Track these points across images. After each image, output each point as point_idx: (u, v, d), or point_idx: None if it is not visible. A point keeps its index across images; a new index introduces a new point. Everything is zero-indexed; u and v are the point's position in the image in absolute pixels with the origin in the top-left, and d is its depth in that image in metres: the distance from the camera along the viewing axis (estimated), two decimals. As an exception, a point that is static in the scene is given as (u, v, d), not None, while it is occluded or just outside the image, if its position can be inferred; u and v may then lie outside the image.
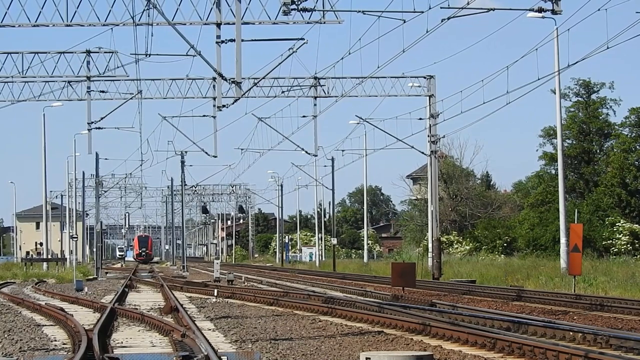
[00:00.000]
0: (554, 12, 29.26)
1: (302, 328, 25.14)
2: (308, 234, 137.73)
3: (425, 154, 56.24)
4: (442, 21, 32.73)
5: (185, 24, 30.46)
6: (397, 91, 54.85)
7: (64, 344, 22.53)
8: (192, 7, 30.38)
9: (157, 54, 32.78)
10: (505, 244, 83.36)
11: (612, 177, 79.19)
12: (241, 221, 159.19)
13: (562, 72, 49.07)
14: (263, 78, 41.82)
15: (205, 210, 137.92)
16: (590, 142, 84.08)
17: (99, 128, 47.65)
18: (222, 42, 27.78)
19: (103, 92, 50.37)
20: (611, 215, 74.45)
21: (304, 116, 53.52)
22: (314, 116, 53.32)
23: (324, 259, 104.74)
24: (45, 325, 27.68)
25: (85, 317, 29.86)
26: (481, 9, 34.55)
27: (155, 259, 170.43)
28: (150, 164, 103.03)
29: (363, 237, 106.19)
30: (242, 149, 66.35)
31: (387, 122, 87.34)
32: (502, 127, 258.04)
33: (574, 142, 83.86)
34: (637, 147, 79.81)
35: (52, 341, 23.09)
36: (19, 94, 50.62)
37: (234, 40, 27.34)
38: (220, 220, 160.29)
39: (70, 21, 31.49)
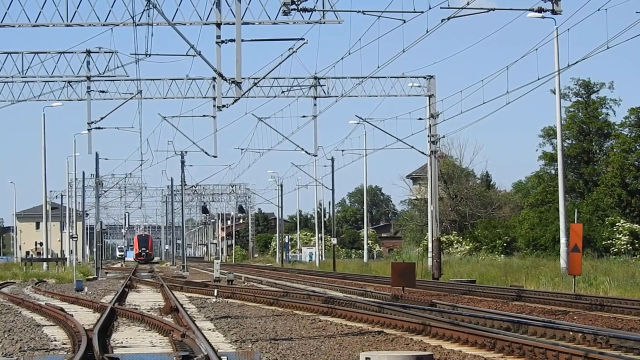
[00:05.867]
0: (554, 12, 29.26)
1: (302, 328, 25.14)
2: (308, 234, 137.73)
3: (425, 154, 56.23)
4: (442, 21, 32.76)
5: (185, 24, 30.47)
6: (397, 91, 54.87)
7: (64, 344, 22.53)
8: (192, 7, 30.43)
9: (157, 54, 32.85)
10: (505, 244, 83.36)
11: (612, 177, 79.19)
12: (241, 221, 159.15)
13: (562, 72, 49.09)
14: (263, 78, 41.82)
15: (205, 210, 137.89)
16: (590, 142, 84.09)
17: (99, 128, 47.67)
18: (222, 42, 27.78)
19: (103, 92, 50.39)
20: (611, 215, 74.45)
21: (304, 116, 53.58)
22: (314, 116, 53.33)
23: (324, 259, 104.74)
24: (45, 325, 27.68)
25: (85, 317, 29.87)
26: (481, 9, 34.57)
27: (156, 258, 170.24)
28: (150, 164, 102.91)
29: (363, 237, 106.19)
30: (242, 149, 66.44)
31: (387, 122, 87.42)
32: (502, 127, 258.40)
33: (574, 142, 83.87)
34: (637, 147, 79.78)
35: (52, 341, 23.08)
36: (19, 94, 50.65)
37: (234, 40, 27.34)
38: (220, 220, 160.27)
39: (70, 21, 31.50)
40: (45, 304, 34.97)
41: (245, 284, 53.98)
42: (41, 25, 31.50)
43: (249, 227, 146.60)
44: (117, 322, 27.86)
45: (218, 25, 28.31)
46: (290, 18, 28.65)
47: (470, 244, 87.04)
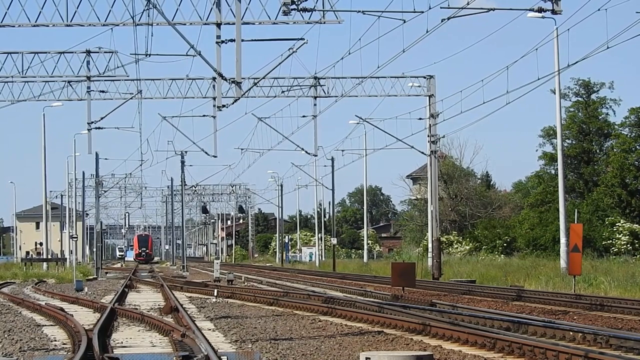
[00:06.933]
0: (554, 12, 29.27)
1: (302, 328, 25.14)
2: (308, 234, 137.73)
3: (425, 154, 56.24)
4: (442, 21, 32.77)
5: (185, 24, 30.49)
6: (397, 91, 54.88)
7: (64, 344, 22.53)
8: (192, 7, 30.45)
9: (157, 54, 32.85)
10: (505, 244, 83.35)
11: (612, 177, 79.18)
12: (241, 221, 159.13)
13: (562, 72, 49.10)
14: (263, 78, 41.83)
15: (205, 210, 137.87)
16: (590, 142, 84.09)
17: (99, 128, 47.71)
18: (222, 42, 27.78)
19: (103, 92, 50.40)
20: (611, 215, 74.44)
21: (304, 116, 53.62)
22: (314, 116, 53.35)
23: (323, 259, 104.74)
24: (45, 325, 27.68)
25: (85, 317, 29.86)
26: (481, 9, 34.58)
27: (156, 258, 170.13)
28: (150, 164, 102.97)
29: (363, 237, 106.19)
30: (242, 149, 66.48)
31: (387, 122, 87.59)
32: (502, 127, 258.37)
33: (574, 142, 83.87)
34: (637, 147, 79.77)
35: (52, 341, 23.08)
36: (19, 94, 50.67)
37: (234, 40, 27.35)
38: (220, 220, 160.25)
39: (70, 21, 31.51)
40: (45, 304, 34.96)
41: (245, 284, 53.98)
42: (41, 25, 31.51)
43: (249, 227, 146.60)
44: (117, 322, 27.86)
45: (218, 25, 28.31)
46: (290, 18, 28.66)
47: (470, 244, 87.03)
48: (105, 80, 49.53)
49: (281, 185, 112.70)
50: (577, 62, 34.86)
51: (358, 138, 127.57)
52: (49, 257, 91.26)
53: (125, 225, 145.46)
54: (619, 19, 32.42)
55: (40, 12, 31.18)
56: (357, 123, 63.88)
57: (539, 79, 37.14)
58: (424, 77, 55.54)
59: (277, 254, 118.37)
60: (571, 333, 21.08)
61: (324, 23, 29.09)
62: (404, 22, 31.41)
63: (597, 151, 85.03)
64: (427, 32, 32.71)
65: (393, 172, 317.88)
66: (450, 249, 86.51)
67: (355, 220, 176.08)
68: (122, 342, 22.50)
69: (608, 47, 30.73)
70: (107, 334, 24.08)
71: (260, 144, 71.43)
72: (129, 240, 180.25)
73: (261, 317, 29.22)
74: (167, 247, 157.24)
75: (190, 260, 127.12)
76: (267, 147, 59.46)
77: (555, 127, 62.88)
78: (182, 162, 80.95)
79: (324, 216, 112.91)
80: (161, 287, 47.37)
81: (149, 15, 29.35)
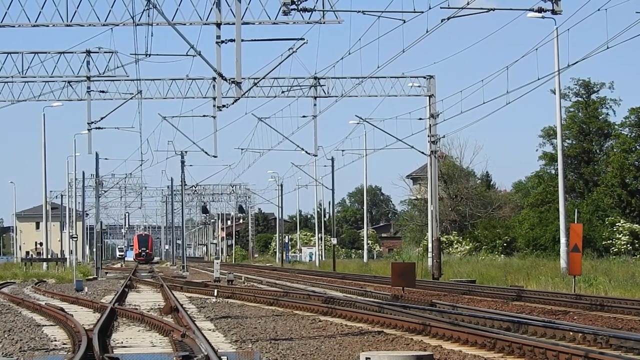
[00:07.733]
0: (554, 12, 29.26)
1: (302, 328, 25.14)
2: (308, 234, 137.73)
3: (425, 154, 56.24)
4: (442, 21, 32.77)
5: (185, 24, 30.49)
6: (397, 91, 54.88)
7: (64, 344, 22.53)
8: (192, 7, 30.45)
9: (157, 54, 32.82)
10: (505, 244, 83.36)
11: (612, 177, 79.18)
12: (241, 221, 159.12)
13: (562, 72, 49.11)
14: (263, 78, 41.82)
15: (205, 210, 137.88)
16: (590, 142, 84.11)
17: (99, 128, 47.71)
18: (222, 42, 27.78)
19: (103, 92, 50.40)
20: (611, 215, 74.44)
21: (304, 116, 53.62)
22: (314, 116, 53.35)
23: (323, 259, 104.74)
24: (45, 325, 27.68)
25: (85, 317, 29.86)
26: (481, 9, 34.56)
27: (156, 258, 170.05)
28: (150, 164, 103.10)
29: (363, 237, 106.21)
30: (242, 149, 66.51)
31: (387, 122, 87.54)
32: (502, 127, 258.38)
33: (574, 142, 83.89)
34: (637, 147, 79.76)
35: (52, 341, 23.09)
36: (19, 94, 50.66)
37: (234, 40, 27.35)
38: (220, 220, 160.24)
39: (70, 21, 31.51)
40: (45, 304, 34.97)
41: (245, 284, 53.98)
42: (41, 25, 31.51)
43: (249, 227, 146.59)
44: (117, 322, 27.86)
45: (218, 25, 28.31)
46: (290, 18, 28.66)
47: (470, 244, 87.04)
48: (105, 80, 49.57)
49: (281, 185, 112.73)
50: (577, 62, 34.90)
51: (358, 138, 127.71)
52: (49, 257, 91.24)
53: (125, 225, 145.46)
54: (619, 19, 32.45)
55: (40, 12, 31.20)
56: (357, 123, 63.94)
57: (539, 79, 37.18)
58: (424, 77, 55.54)
59: (277, 254, 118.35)
60: (571, 333, 21.08)
61: (324, 23, 29.10)
62: (404, 22, 31.41)
63: (597, 151, 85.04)
64: (427, 32, 32.73)
65: (393, 172, 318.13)
66: (450, 249, 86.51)
67: (355, 220, 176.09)
68: (122, 342, 22.51)
69: (608, 47, 30.76)
70: (107, 334, 24.08)
71: (260, 144, 71.56)
72: (129, 240, 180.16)
73: (261, 317, 29.23)
74: (167, 247, 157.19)
75: (190, 260, 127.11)
76: (267, 147, 59.55)
77: (555, 127, 62.90)
78: (182, 162, 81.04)
79: (324, 216, 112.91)
80: (161, 287, 47.37)
81: (149, 15, 29.36)
